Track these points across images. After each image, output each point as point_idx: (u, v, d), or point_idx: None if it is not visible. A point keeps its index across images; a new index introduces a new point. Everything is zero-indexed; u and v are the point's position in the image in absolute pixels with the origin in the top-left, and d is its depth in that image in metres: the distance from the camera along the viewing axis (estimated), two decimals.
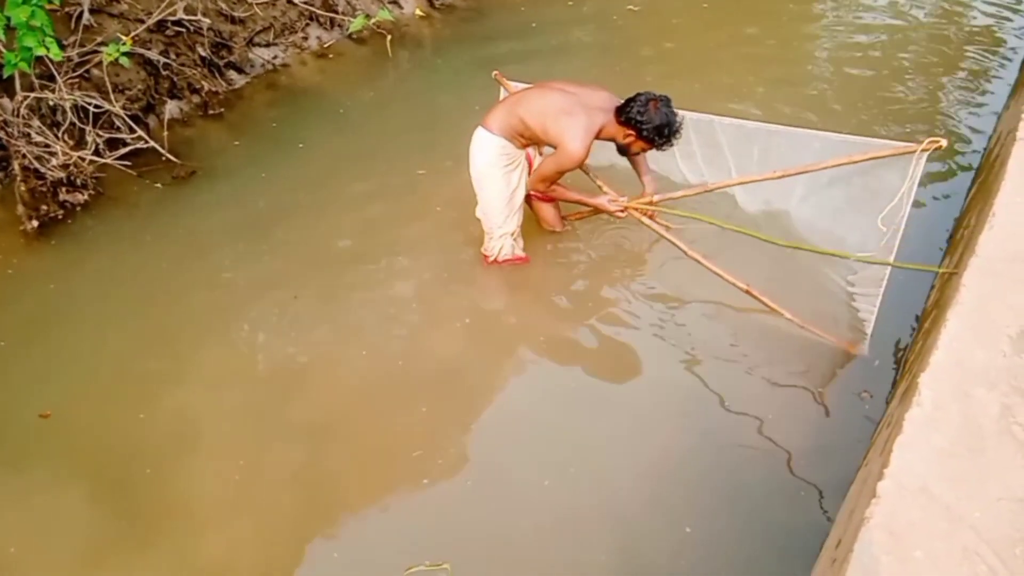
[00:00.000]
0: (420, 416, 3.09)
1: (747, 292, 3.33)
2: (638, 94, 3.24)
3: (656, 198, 3.51)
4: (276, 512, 2.79)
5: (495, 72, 3.76)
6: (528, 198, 3.69)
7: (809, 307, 3.41)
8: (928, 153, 2.96)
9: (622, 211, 3.52)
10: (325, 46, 5.41)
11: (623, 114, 3.24)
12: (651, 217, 3.53)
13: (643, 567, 2.62)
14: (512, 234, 3.63)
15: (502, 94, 3.75)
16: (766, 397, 3.19)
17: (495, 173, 3.46)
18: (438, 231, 3.92)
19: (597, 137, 3.32)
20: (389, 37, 5.50)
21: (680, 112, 3.28)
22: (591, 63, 5.44)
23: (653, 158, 3.62)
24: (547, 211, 3.82)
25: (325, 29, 5.46)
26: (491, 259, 3.69)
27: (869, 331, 3.25)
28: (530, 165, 3.57)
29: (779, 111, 4.75)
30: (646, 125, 3.20)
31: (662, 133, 3.22)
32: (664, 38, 5.77)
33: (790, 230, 3.52)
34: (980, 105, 5.01)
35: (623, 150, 3.42)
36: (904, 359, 3.24)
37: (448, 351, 3.39)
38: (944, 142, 2.95)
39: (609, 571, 2.60)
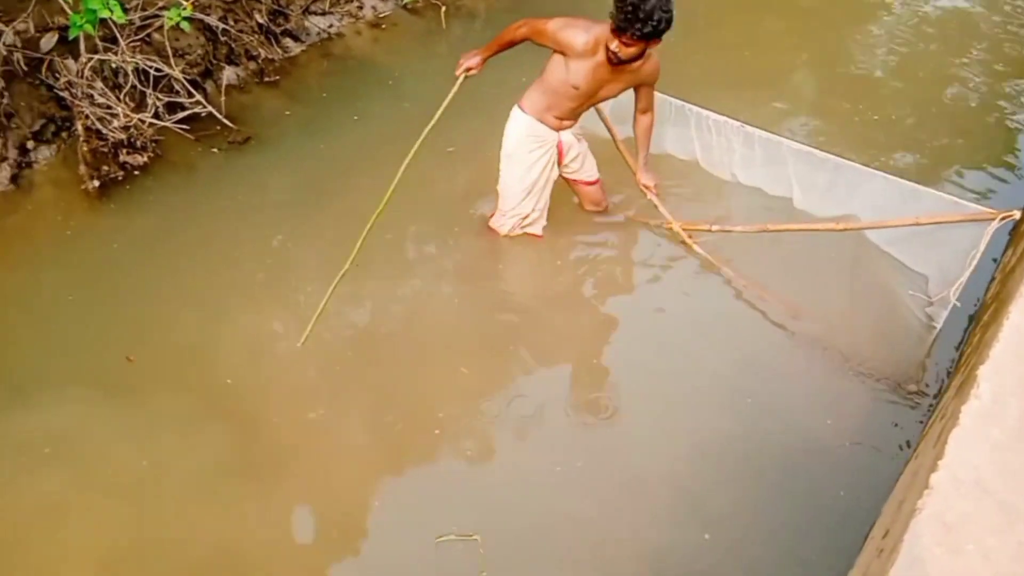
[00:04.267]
0: (461, 379, 3.15)
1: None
2: None
3: (714, 228, 3.53)
4: (326, 471, 2.85)
5: None
6: (571, 182, 3.67)
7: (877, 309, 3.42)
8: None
9: (650, 189, 3.52)
10: (380, 16, 5.41)
11: None
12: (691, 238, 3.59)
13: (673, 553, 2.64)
14: (524, 216, 3.61)
15: None
16: (803, 392, 3.19)
17: (519, 153, 3.43)
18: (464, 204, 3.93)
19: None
20: (443, 8, 5.48)
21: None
22: None
23: (707, 158, 3.61)
24: (588, 192, 3.78)
25: None
26: (508, 233, 3.70)
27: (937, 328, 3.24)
28: (560, 155, 3.53)
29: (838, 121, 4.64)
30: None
31: (637, 16, 2.84)
32: (724, 22, 5.65)
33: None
34: None
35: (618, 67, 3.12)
36: (960, 352, 3.19)
37: (494, 325, 3.41)
38: (1018, 213, 2.89)
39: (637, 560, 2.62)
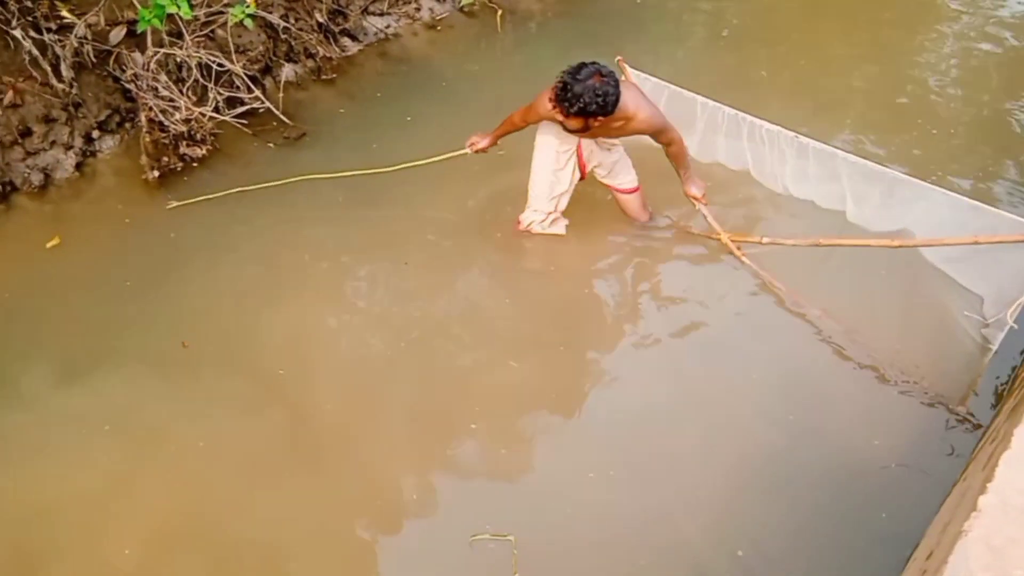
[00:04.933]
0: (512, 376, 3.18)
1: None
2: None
3: (765, 240, 3.49)
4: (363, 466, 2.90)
5: (618, 57, 3.73)
6: (609, 188, 3.71)
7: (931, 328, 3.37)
8: None
9: (703, 197, 3.51)
10: (437, 18, 5.48)
11: None
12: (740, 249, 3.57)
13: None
14: (548, 213, 3.65)
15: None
16: (850, 410, 3.12)
17: (550, 145, 3.49)
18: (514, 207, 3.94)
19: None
20: (500, 12, 5.52)
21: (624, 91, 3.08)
22: (699, 51, 5.33)
23: (759, 169, 3.58)
24: (624, 201, 3.77)
25: (438, 1, 5.53)
26: (522, 227, 3.72)
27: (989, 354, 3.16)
28: (579, 157, 3.56)
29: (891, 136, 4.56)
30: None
31: (564, 95, 3.01)
32: (784, 27, 5.59)
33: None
34: None
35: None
36: (1015, 374, 3.11)
37: (538, 325, 3.43)
38: None
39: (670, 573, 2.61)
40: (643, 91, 3.42)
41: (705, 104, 3.64)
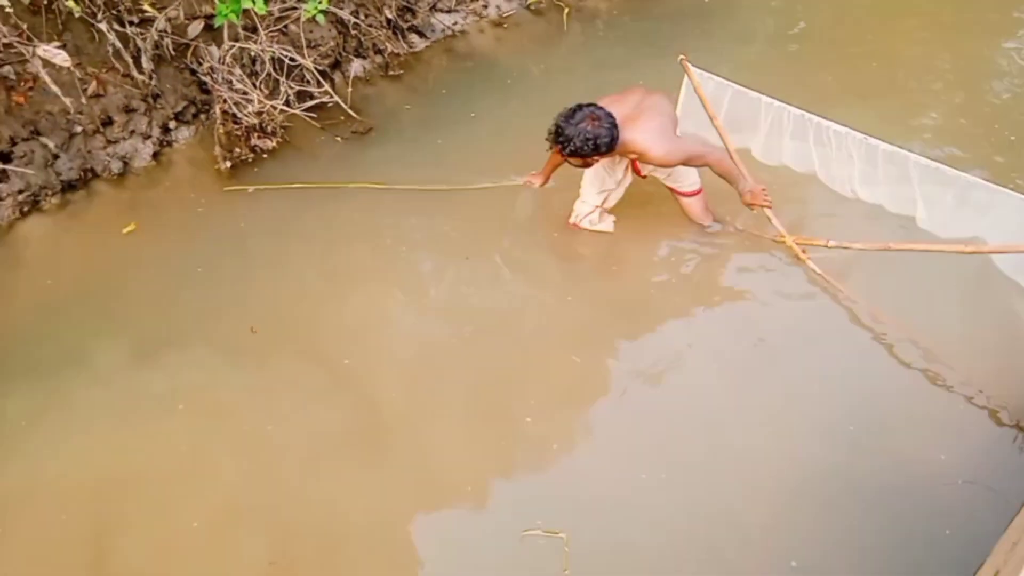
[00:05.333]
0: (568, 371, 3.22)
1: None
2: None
3: (831, 244, 3.43)
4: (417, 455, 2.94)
5: (681, 57, 3.70)
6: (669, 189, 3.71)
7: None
8: None
9: (760, 203, 3.45)
10: (503, 15, 5.51)
11: None
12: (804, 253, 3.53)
13: None
14: (596, 206, 3.68)
15: (684, 81, 3.71)
16: (915, 424, 3.05)
17: None
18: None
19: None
20: (567, 10, 5.52)
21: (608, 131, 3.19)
22: (766, 51, 5.23)
23: (826, 171, 3.53)
24: (684, 205, 3.74)
25: None
26: (571, 220, 3.74)
27: None
28: (633, 162, 3.58)
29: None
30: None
31: (557, 138, 3.22)
32: (858, 27, 5.46)
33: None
34: None
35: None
36: None
37: (607, 327, 3.44)
38: None
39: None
40: (671, 123, 3.40)
41: (770, 104, 3.57)
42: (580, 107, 3.20)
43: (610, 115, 3.20)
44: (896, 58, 5.14)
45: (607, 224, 3.76)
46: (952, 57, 5.19)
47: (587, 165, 3.36)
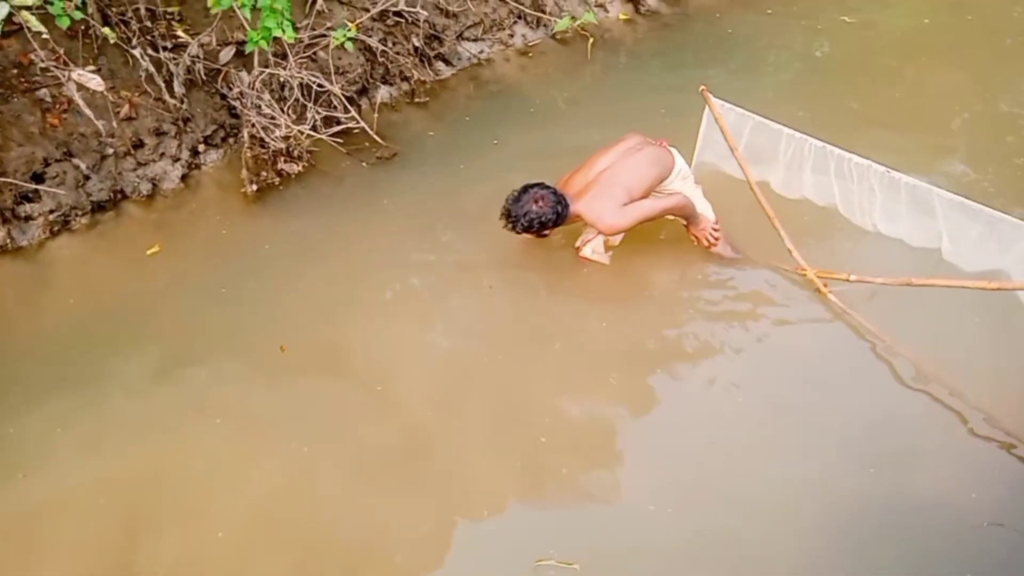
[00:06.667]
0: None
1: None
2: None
3: (852, 278, 3.42)
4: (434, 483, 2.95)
5: (702, 87, 3.73)
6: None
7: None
8: None
9: (703, 238, 3.61)
10: (529, 44, 5.57)
11: None
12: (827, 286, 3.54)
13: None
14: (587, 240, 3.75)
15: (705, 112, 3.73)
16: (937, 464, 3.02)
17: None
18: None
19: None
20: (591, 40, 5.58)
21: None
22: (788, 81, 5.24)
23: (847, 205, 3.54)
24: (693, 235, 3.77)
25: (531, 28, 5.61)
26: (577, 244, 3.79)
27: None
28: None
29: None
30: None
31: (507, 220, 3.47)
32: (879, 59, 5.46)
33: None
34: None
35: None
36: None
37: (627, 355, 3.45)
38: None
39: None
40: (633, 188, 3.49)
41: (792, 136, 3.58)
42: (527, 189, 3.44)
43: (555, 193, 3.44)
44: (921, 89, 5.14)
45: (606, 257, 3.77)
46: (978, 89, 5.17)
47: (543, 236, 3.60)
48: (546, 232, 3.55)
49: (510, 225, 3.49)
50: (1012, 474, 2.94)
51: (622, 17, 5.94)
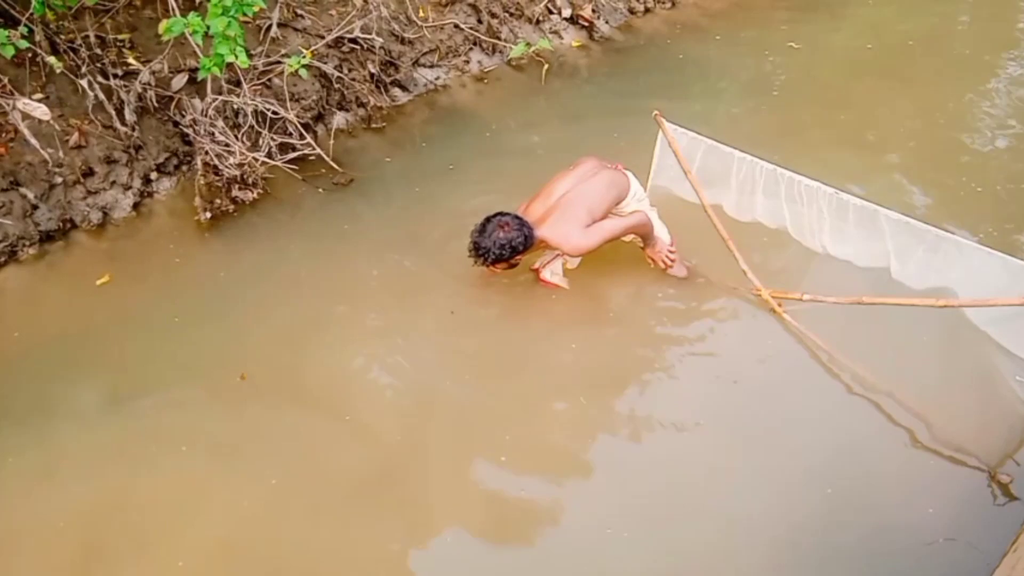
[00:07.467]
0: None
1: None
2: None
3: (806, 297, 3.51)
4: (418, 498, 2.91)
5: (655, 112, 3.79)
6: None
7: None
8: None
9: (658, 260, 3.67)
10: (485, 71, 5.62)
11: None
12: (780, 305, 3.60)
13: None
14: (547, 263, 3.79)
15: (659, 136, 3.78)
16: (891, 482, 3.08)
17: None
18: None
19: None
20: (546, 66, 5.64)
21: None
22: (740, 105, 5.36)
23: (797, 227, 3.61)
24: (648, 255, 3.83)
25: (487, 54, 5.67)
26: (536, 266, 3.81)
27: None
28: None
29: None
30: None
31: (477, 253, 3.46)
32: (826, 83, 5.61)
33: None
34: None
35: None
36: None
37: (578, 380, 3.45)
38: None
39: None
40: (594, 209, 3.54)
41: (743, 159, 3.65)
42: (489, 219, 3.44)
43: (517, 218, 3.45)
44: (866, 112, 5.28)
45: (564, 281, 3.79)
46: (920, 111, 5.34)
47: (513, 266, 3.58)
48: (516, 260, 3.53)
49: (481, 259, 3.47)
50: (963, 488, 3.00)
51: (576, 44, 6.03)
